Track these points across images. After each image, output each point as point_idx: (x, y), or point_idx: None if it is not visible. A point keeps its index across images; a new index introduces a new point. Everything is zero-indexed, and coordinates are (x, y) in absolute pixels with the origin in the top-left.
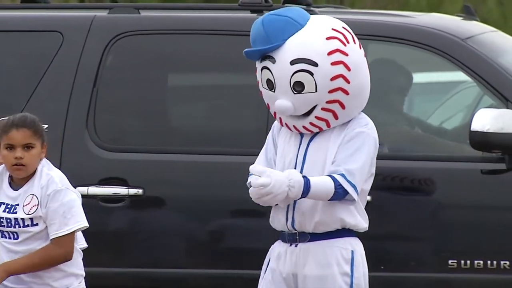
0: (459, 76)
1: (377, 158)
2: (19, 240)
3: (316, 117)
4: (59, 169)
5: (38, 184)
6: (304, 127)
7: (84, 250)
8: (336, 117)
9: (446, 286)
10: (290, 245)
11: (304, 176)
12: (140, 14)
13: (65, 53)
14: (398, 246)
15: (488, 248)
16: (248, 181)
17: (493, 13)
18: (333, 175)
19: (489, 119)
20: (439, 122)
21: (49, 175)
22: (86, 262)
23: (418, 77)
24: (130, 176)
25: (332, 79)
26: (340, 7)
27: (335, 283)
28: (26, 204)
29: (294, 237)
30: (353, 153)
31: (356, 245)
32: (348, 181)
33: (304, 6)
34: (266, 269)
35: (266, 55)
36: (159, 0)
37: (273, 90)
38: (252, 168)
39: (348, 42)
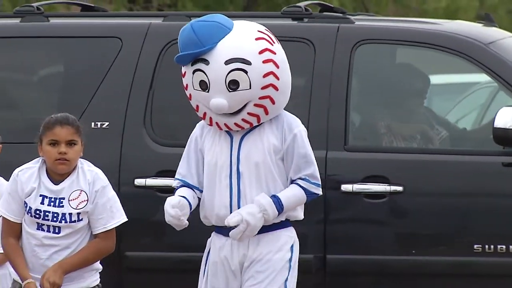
0: (479, 77)
1: (409, 152)
2: (60, 234)
3: (248, 113)
4: (120, 162)
5: (84, 180)
6: (235, 124)
7: None
8: (266, 112)
9: (471, 268)
10: None
11: (272, 196)
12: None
13: (124, 57)
14: (428, 231)
15: (510, 233)
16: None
17: (503, 21)
18: (299, 183)
19: (511, 117)
20: (457, 119)
21: (93, 172)
22: None
23: (444, 79)
24: None
25: (264, 76)
26: (372, 15)
27: (279, 264)
28: (74, 199)
29: None
30: (304, 156)
31: (294, 234)
32: (313, 183)
33: (339, 14)
34: (206, 263)
35: (198, 58)
36: (204, 9)
37: (207, 91)
38: (226, 221)
39: (274, 42)
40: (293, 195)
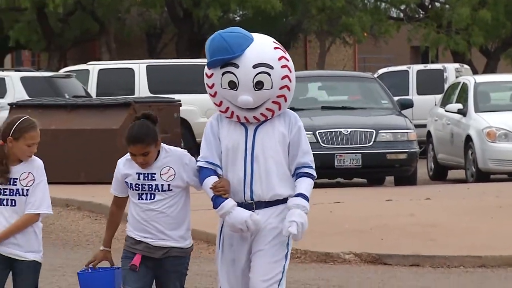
0: None
1: None
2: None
3: (266, 108)
4: None
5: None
6: (254, 117)
7: None
8: (280, 108)
9: None
10: None
11: (297, 195)
12: None
13: None
14: None
15: None
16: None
17: None
18: (306, 171)
19: None
20: None
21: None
22: None
23: None
24: None
25: (282, 78)
26: None
27: (282, 232)
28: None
29: (251, 206)
30: (305, 144)
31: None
32: (313, 168)
33: None
34: (221, 235)
35: (228, 63)
36: None
37: (235, 89)
38: (288, 232)
39: (286, 52)
40: (309, 185)
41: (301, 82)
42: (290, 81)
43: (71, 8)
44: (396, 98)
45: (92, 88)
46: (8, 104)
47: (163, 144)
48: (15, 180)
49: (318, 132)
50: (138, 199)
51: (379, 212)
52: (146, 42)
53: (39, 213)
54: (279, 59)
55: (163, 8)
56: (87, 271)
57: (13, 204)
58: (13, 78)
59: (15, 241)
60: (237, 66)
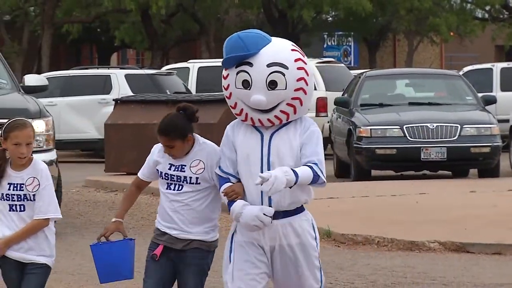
0: None
1: None
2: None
3: (280, 111)
4: None
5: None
6: (268, 119)
7: None
8: (295, 112)
9: None
10: None
11: (291, 169)
12: None
13: None
14: None
15: None
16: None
17: None
18: (310, 165)
19: None
20: None
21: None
22: None
23: None
24: None
25: (298, 80)
26: None
27: (311, 246)
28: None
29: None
30: (315, 147)
31: (310, 215)
32: (320, 170)
33: None
34: (232, 242)
35: (243, 62)
36: None
37: (248, 88)
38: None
39: (304, 56)
40: (304, 171)
41: (390, 79)
42: (307, 85)
43: (173, 10)
44: (480, 95)
45: (192, 85)
46: (113, 100)
47: (198, 137)
48: (22, 185)
49: (405, 127)
50: (167, 188)
51: (463, 202)
52: None
53: (48, 218)
54: (296, 60)
55: (260, 9)
56: (99, 244)
57: (22, 209)
58: (118, 75)
59: (26, 246)
60: (251, 65)
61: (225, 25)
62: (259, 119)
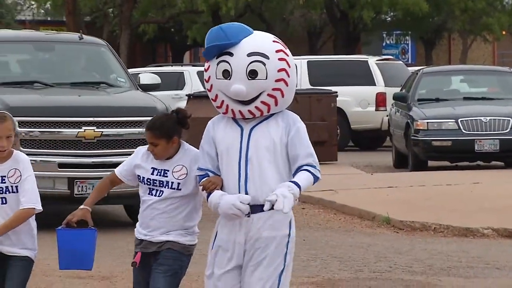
0: None
1: None
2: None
3: (261, 101)
4: None
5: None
6: (249, 111)
7: None
8: (276, 103)
9: None
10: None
11: (291, 182)
12: None
13: None
14: None
15: None
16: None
17: None
18: (309, 169)
19: None
20: None
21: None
22: None
23: None
24: None
25: (279, 71)
26: None
27: (281, 241)
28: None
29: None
30: (307, 147)
31: (291, 212)
32: (317, 169)
33: None
34: (214, 241)
35: (223, 52)
36: None
37: (229, 78)
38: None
39: (286, 48)
40: (304, 178)
41: (445, 76)
42: (289, 76)
43: (241, 11)
44: None
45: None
46: (186, 95)
47: (184, 143)
48: (4, 177)
49: (460, 120)
50: (148, 193)
51: None
52: (307, 40)
53: (34, 208)
54: (277, 51)
55: (323, 9)
56: (66, 229)
57: (4, 202)
58: (191, 72)
59: (8, 239)
60: (231, 55)
61: (290, 25)
62: (239, 111)
